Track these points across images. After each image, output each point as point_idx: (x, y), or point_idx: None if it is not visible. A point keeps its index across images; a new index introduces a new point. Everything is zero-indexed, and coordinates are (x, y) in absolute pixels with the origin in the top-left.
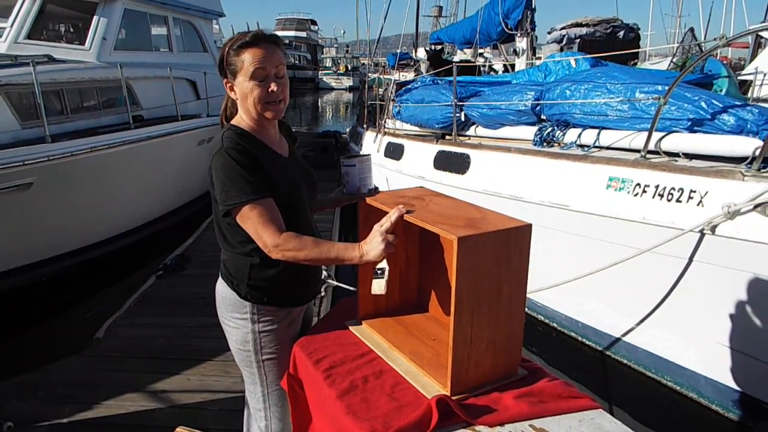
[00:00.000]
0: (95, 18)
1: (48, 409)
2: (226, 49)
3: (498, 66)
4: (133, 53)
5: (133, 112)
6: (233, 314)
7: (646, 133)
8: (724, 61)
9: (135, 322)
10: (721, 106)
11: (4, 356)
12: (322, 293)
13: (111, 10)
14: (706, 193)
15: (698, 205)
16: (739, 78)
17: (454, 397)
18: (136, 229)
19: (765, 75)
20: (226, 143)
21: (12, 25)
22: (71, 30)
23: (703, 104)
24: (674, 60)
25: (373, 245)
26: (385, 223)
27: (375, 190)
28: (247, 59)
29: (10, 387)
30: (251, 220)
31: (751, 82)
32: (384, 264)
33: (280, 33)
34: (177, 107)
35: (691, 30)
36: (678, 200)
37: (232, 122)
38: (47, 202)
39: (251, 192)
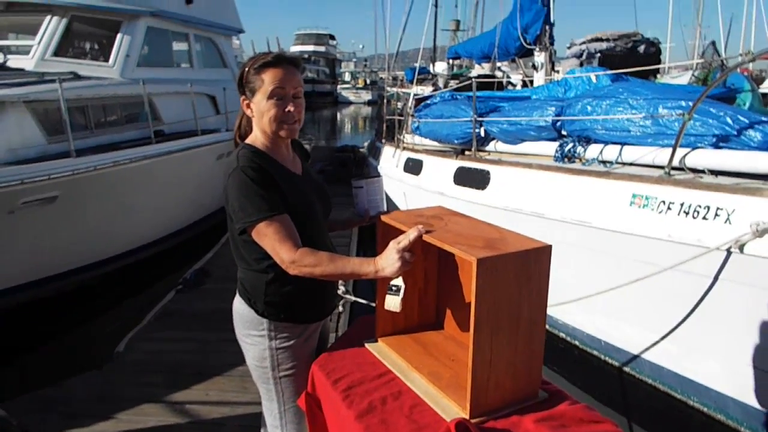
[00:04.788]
0: (119, 36)
1: (68, 424)
2: (247, 68)
3: (516, 78)
4: (155, 69)
5: (155, 127)
6: (250, 331)
7: (669, 149)
8: (746, 74)
9: (155, 337)
10: (747, 121)
11: (25, 370)
12: (340, 309)
13: (134, 28)
14: (734, 210)
15: (725, 222)
16: (762, 91)
17: (473, 420)
18: (156, 242)
19: None
20: (242, 161)
21: (39, 43)
22: (96, 47)
23: (728, 120)
24: (695, 74)
25: (389, 261)
26: (403, 240)
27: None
28: (267, 79)
29: (30, 401)
30: (268, 237)
31: None
32: (399, 281)
33: (299, 48)
34: (197, 122)
35: (713, 43)
36: (704, 218)
37: (247, 141)
38: (71, 214)
39: (267, 209)
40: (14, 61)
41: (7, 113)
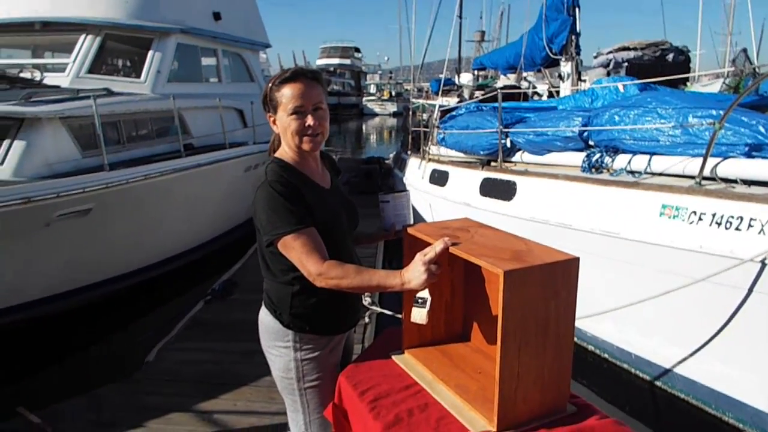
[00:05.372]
0: (150, 53)
1: None
2: (269, 85)
3: (542, 88)
4: (185, 84)
5: (184, 141)
6: (276, 342)
7: (700, 159)
8: None
9: (184, 347)
10: None
11: (57, 378)
12: (366, 320)
13: (165, 44)
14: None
15: (759, 233)
16: None
17: None
18: (185, 253)
19: None
20: (270, 176)
21: (74, 61)
22: (128, 64)
23: (761, 128)
24: (726, 81)
25: (415, 274)
26: (429, 253)
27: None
28: (287, 94)
29: (61, 409)
30: (295, 250)
31: None
32: (426, 294)
33: (324, 61)
34: (225, 135)
35: (744, 51)
36: (737, 228)
37: (276, 155)
38: (104, 226)
39: (295, 222)
40: (50, 79)
41: (44, 129)
